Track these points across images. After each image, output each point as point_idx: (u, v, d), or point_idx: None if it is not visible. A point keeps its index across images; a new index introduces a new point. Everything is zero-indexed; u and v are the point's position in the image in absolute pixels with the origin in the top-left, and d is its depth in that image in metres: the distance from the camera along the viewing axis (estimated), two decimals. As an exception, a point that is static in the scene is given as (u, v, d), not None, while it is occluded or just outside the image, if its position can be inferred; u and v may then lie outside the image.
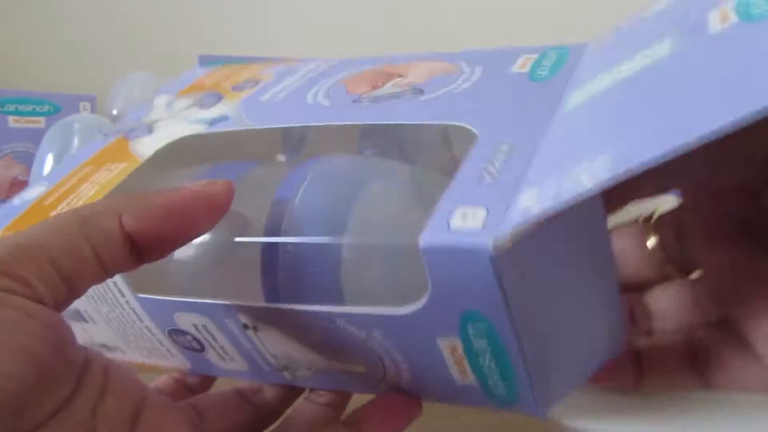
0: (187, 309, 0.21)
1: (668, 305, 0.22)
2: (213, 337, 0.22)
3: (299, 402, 0.22)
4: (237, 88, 0.27)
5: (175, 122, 0.26)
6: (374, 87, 0.24)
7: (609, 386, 0.22)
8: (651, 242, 0.22)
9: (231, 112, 0.25)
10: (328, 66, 0.28)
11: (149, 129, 0.26)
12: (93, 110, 0.49)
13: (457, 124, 0.20)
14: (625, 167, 0.13)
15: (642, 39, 0.19)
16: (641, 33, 0.19)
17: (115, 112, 0.50)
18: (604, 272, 0.18)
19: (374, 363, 0.19)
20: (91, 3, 0.67)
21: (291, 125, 0.23)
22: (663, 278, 0.23)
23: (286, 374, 0.22)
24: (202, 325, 0.21)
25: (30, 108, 0.48)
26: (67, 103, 0.48)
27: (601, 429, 0.20)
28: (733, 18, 0.16)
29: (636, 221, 0.23)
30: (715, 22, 0.16)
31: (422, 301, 0.17)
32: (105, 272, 0.17)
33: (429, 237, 0.16)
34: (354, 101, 0.23)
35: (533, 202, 0.15)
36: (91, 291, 0.22)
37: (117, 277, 0.21)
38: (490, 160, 0.18)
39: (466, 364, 0.18)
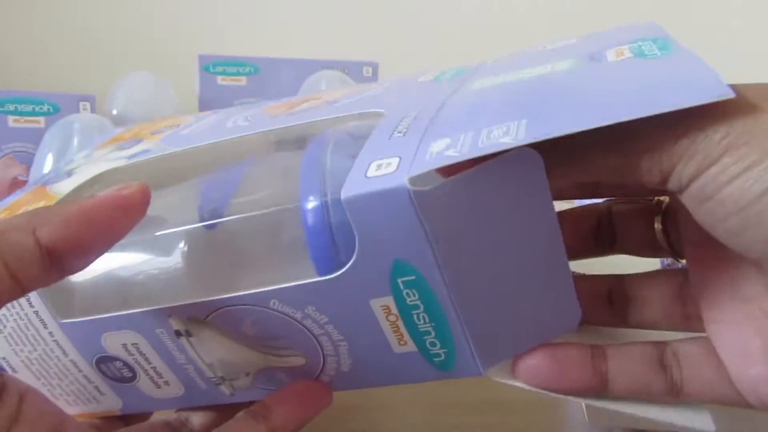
0: (115, 327, 0.20)
1: (650, 293, 0.22)
2: (145, 358, 0.21)
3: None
4: (157, 132, 0.27)
5: (95, 164, 0.25)
6: (291, 107, 0.25)
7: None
8: (657, 224, 0.22)
9: (152, 147, 0.24)
10: (247, 107, 0.28)
11: (68, 174, 0.25)
12: (93, 110, 0.49)
13: (366, 111, 0.21)
14: (541, 133, 0.15)
15: (543, 58, 0.21)
16: (542, 56, 0.21)
17: (114, 112, 0.49)
18: (551, 251, 0.17)
19: (312, 348, 0.19)
20: (91, 3, 0.67)
21: (213, 142, 0.23)
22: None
23: (224, 388, 0.21)
24: (133, 344, 0.20)
25: (30, 108, 0.48)
26: (66, 103, 0.48)
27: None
28: (628, 54, 0.18)
29: (651, 201, 0.23)
30: (611, 56, 0.19)
31: (351, 260, 0.17)
32: (20, 288, 0.17)
33: (348, 189, 0.16)
34: (272, 117, 0.24)
35: (446, 148, 0.16)
36: (9, 331, 0.21)
37: (39, 306, 0.20)
38: (397, 125, 0.18)
39: (401, 325, 0.18)
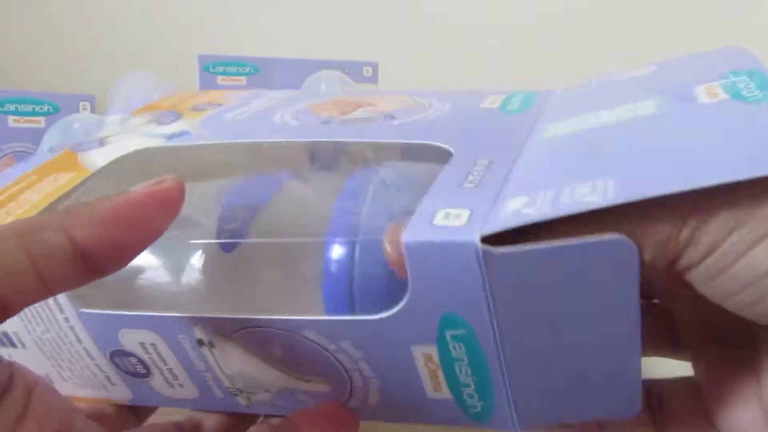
0: (135, 325, 0.20)
1: (681, 400, 0.21)
2: (162, 359, 0.20)
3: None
4: (197, 108, 0.26)
5: (130, 136, 0.24)
6: (344, 112, 0.24)
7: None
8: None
9: (192, 129, 0.24)
10: (292, 95, 0.27)
11: (101, 143, 0.24)
12: (92, 110, 0.49)
13: (433, 143, 0.20)
14: (634, 192, 0.13)
15: (622, 94, 0.19)
16: (621, 90, 0.20)
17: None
18: (626, 341, 0.16)
19: (341, 380, 0.19)
20: (91, 3, 0.67)
21: (257, 141, 0.22)
22: None
23: (241, 399, 0.21)
24: (151, 344, 0.20)
25: (30, 108, 0.48)
26: (66, 103, 0.48)
27: None
28: (723, 95, 0.16)
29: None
30: (702, 96, 0.17)
31: (400, 304, 0.16)
32: (47, 289, 0.16)
33: (411, 234, 0.15)
34: (324, 122, 0.23)
35: (523, 206, 0.15)
36: (24, 310, 0.21)
37: None
38: (469, 171, 0.17)
39: (440, 374, 0.17)
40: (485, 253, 0.14)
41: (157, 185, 0.17)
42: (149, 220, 0.17)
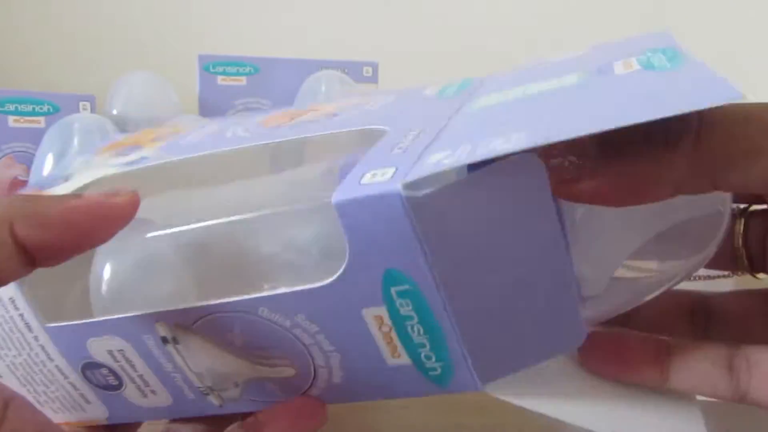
0: (101, 332, 0.20)
1: (734, 310, 0.22)
2: (131, 365, 0.20)
3: None
4: (157, 139, 0.27)
5: (92, 169, 0.25)
6: (292, 118, 0.24)
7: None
8: (738, 237, 0.22)
9: (150, 155, 0.24)
10: (247, 116, 0.28)
11: (65, 178, 0.25)
12: (93, 110, 0.49)
13: (369, 127, 0.20)
14: (540, 138, 0.14)
15: (550, 72, 0.20)
16: (549, 69, 0.21)
17: (115, 112, 0.49)
18: (555, 264, 0.17)
19: (303, 358, 0.19)
20: (91, 3, 0.67)
21: (209, 152, 0.23)
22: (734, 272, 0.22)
23: (213, 399, 0.21)
24: (119, 351, 0.20)
25: (30, 108, 0.48)
26: (66, 103, 0.48)
27: (540, 408, 0.20)
28: (637, 67, 0.18)
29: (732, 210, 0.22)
30: (619, 68, 0.18)
31: (342, 267, 0.16)
32: None
33: (340, 193, 0.15)
34: (271, 130, 0.24)
35: (444, 158, 0.15)
36: None
37: (25, 308, 0.20)
38: (399, 141, 0.18)
39: (394, 336, 0.17)
40: (408, 198, 0.15)
41: (109, 197, 0.17)
42: (93, 229, 0.17)
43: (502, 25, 0.68)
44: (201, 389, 0.20)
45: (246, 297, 0.18)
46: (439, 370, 0.18)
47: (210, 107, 0.51)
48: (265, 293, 0.18)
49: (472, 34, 0.68)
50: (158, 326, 0.19)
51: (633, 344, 0.20)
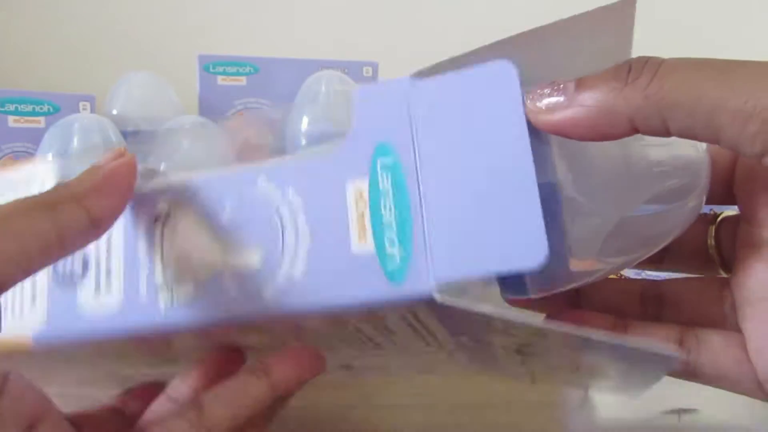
0: None
1: (686, 295, 0.23)
2: (108, 250, 0.21)
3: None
4: None
5: None
6: None
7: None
8: (711, 238, 0.23)
9: None
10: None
11: None
12: (92, 110, 0.49)
13: None
14: None
15: None
16: None
17: (115, 112, 0.49)
18: (520, 171, 0.18)
19: (273, 245, 0.20)
20: (91, 3, 0.67)
21: None
22: (705, 271, 0.24)
23: (162, 299, 0.21)
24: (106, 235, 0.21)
25: (30, 108, 0.48)
26: (66, 103, 0.48)
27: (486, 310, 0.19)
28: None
29: (707, 215, 0.24)
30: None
31: (345, 141, 0.19)
32: (65, 253, 0.19)
33: (360, 88, 0.20)
34: None
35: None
36: None
37: None
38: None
39: (367, 216, 0.19)
40: (412, 81, 0.19)
41: (121, 157, 0.21)
42: (130, 185, 0.20)
43: (503, 25, 0.68)
44: (158, 285, 0.21)
45: (253, 164, 0.20)
46: (398, 260, 0.18)
47: (210, 107, 0.51)
48: (267, 164, 0.20)
49: (472, 34, 0.68)
50: (162, 201, 0.21)
51: (591, 319, 0.22)
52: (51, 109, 0.48)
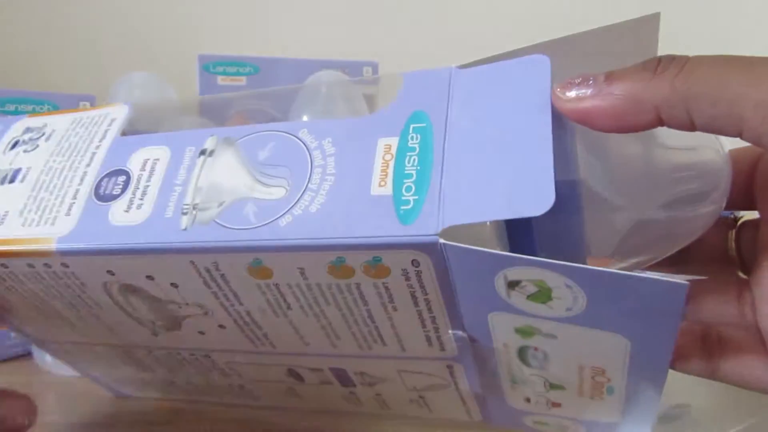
0: (155, 142, 0.23)
1: (707, 296, 0.23)
2: (150, 176, 0.23)
3: None
4: None
5: None
6: None
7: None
8: (731, 239, 0.24)
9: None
10: None
11: None
12: (93, 110, 0.49)
13: None
14: None
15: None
16: None
17: (114, 112, 0.49)
18: (539, 138, 0.19)
19: (301, 180, 0.21)
20: (92, 3, 0.67)
21: None
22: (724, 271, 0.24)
23: (184, 220, 0.21)
24: (154, 160, 0.23)
25: (30, 108, 0.48)
26: (66, 103, 0.48)
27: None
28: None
29: (727, 218, 0.24)
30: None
31: (384, 107, 0.21)
32: None
33: (408, 72, 0.22)
34: None
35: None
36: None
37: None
38: None
39: (391, 165, 0.20)
40: (456, 69, 0.22)
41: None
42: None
43: (503, 25, 0.68)
44: (185, 206, 0.22)
45: (299, 121, 0.23)
46: (411, 204, 0.19)
47: (210, 107, 0.51)
48: (312, 121, 0.22)
49: (472, 35, 0.68)
50: (211, 139, 0.23)
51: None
52: (50, 109, 0.48)
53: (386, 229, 0.19)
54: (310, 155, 0.21)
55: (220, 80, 0.52)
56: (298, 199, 0.20)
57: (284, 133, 0.22)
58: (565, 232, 0.20)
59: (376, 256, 0.20)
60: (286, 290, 0.22)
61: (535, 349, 0.22)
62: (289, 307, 0.23)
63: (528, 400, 0.26)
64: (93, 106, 0.49)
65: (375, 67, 0.53)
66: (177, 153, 0.23)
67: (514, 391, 0.26)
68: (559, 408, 0.26)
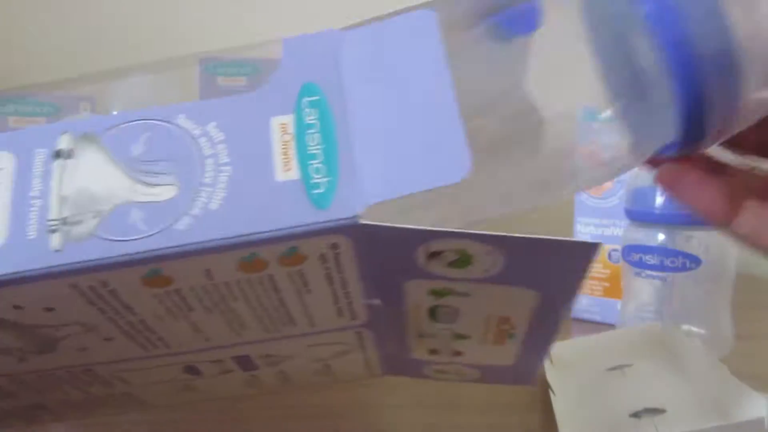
0: None
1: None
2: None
3: None
4: None
5: None
6: None
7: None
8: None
9: None
10: None
11: None
12: (93, 110, 0.49)
13: None
14: None
15: None
16: None
17: (115, 112, 0.49)
18: (441, 99, 0.19)
19: (191, 176, 0.18)
20: (92, 3, 0.67)
21: None
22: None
23: (55, 239, 0.18)
24: None
25: (30, 108, 0.48)
26: (67, 104, 0.48)
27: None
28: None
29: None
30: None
31: (268, 82, 0.20)
32: None
33: (288, 37, 0.21)
34: None
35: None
36: None
37: None
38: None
39: (292, 146, 0.19)
40: (339, 32, 0.21)
41: None
42: None
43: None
44: (51, 223, 0.18)
45: (174, 104, 0.19)
46: (323, 187, 0.18)
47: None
48: (189, 102, 0.20)
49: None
50: (64, 137, 0.19)
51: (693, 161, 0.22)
52: (51, 109, 0.48)
53: (302, 217, 0.18)
54: (195, 145, 0.19)
55: (220, 80, 0.52)
56: (194, 198, 0.18)
57: (158, 122, 0.19)
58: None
59: (292, 247, 0.18)
60: (188, 294, 0.20)
61: (447, 307, 0.22)
62: (190, 309, 0.21)
63: (433, 351, 0.26)
64: (93, 107, 0.49)
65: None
66: (24, 158, 0.19)
67: (420, 344, 0.26)
68: (461, 356, 0.26)
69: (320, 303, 0.21)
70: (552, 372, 0.33)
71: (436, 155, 0.18)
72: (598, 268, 0.48)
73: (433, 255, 0.19)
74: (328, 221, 0.18)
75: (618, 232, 0.47)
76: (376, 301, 0.22)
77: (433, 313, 0.23)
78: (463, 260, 0.19)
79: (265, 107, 0.19)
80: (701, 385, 0.29)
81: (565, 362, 0.35)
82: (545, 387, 0.34)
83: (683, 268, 0.38)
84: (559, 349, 0.36)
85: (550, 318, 0.22)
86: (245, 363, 0.26)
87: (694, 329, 0.38)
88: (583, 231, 0.49)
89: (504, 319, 0.23)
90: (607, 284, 0.48)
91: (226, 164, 0.19)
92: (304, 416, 0.32)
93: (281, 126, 0.19)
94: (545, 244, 0.18)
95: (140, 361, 0.24)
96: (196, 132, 0.19)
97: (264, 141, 0.19)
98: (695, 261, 0.38)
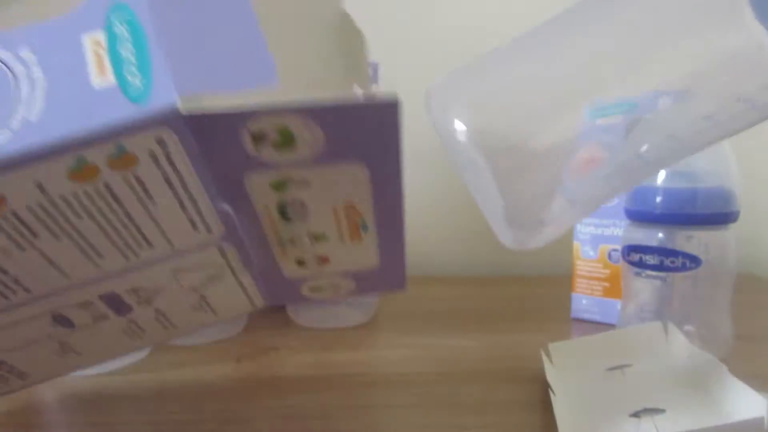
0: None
1: None
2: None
3: None
4: None
5: None
6: None
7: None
8: None
9: None
10: None
11: None
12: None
13: None
14: None
15: None
16: None
17: None
18: (245, 18, 0.20)
19: (4, 96, 0.19)
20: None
21: None
22: None
23: None
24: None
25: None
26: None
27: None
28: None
29: None
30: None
31: (75, 6, 0.20)
32: None
33: None
34: None
35: None
36: None
37: None
38: None
39: (105, 56, 0.19)
40: None
41: None
42: None
43: (503, 25, 0.68)
44: None
45: None
46: (140, 86, 0.19)
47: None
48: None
49: (472, 35, 0.68)
50: None
51: None
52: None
53: (121, 111, 0.19)
54: (8, 69, 0.20)
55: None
56: (11, 115, 0.19)
57: None
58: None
59: (119, 145, 0.19)
60: (26, 216, 0.20)
61: (294, 201, 0.23)
62: (35, 235, 0.21)
63: (300, 262, 0.27)
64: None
65: (375, 67, 0.53)
66: None
67: (286, 255, 0.26)
68: (328, 264, 0.27)
69: (168, 214, 0.22)
70: (552, 372, 0.33)
71: (244, 61, 0.20)
72: (598, 268, 0.49)
73: (258, 139, 0.20)
74: (149, 113, 0.19)
75: (618, 232, 0.47)
76: (226, 207, 0.23)
77: (282, 212, 0.24)
78: (286, 138, 0.20)
79: (74, 26, 0.20)
80: (701, 385, 0.29)
81: (565, 362, 0.35)
82: (545, 387, 0.34)
83: (683, 268, 0.38)
84: (559, 349, 0.36)
85: (388, 195, 0.23)
86: (116, 303, 0.26)
87: (694, 329, 0.38)
88: (583, 231, 0.49)
89: (350, 208, 0.24)
90: (607, 284, 0.48)
91: (41, 79, 0.19)
92: (304, 416, 0.32)
93: (93, 41, 0.20)
94: (350, 108, 0.19)
95: (2, 315, 0.24)
96: (8, 58, 0.20)
97: (77, 55, 0.20)
98: (695, 261, 0.38)
